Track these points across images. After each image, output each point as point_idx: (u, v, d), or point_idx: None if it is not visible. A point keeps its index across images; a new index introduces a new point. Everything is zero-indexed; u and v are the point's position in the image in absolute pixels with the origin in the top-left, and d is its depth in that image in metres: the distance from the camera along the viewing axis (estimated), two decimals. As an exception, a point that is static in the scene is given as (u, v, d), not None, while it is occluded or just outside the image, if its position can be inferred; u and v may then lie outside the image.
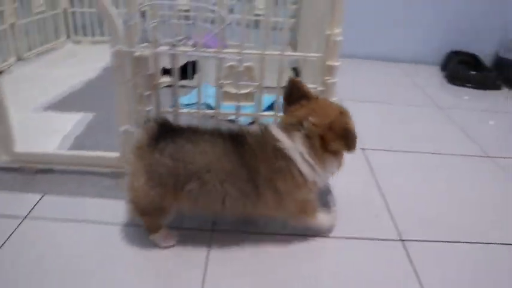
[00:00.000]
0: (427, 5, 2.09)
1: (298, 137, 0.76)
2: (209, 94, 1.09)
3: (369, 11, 2.10)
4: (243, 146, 0.77)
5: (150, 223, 0.82)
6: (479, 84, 1.95)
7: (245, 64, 0.91)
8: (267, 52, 0.91)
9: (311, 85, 0.96)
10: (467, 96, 1.87)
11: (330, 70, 0.92)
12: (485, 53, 2.14)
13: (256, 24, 1.99)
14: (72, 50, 2.00)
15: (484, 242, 0.91)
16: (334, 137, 0.75)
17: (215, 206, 0.78)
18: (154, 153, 0.75)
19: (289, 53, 0.89)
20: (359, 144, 0.77)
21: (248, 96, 0.95)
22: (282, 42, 1.04)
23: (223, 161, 0.76)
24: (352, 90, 1.74)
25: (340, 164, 0.81)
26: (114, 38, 0.82)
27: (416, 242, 0.89)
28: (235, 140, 0.78)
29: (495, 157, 1.30)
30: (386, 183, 1.10)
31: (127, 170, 0.78)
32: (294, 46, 1.89)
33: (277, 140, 0.76)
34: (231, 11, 1.85)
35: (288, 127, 0.78)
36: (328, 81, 0.92)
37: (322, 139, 0.76)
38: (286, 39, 1.79)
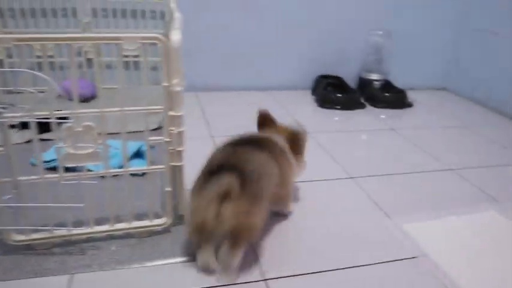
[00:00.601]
0: (295, 33, 2.20)
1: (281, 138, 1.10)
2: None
3: (238, 41, 2.16)
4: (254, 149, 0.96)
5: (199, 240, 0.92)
6: (346, 105, 2.09)
7: (84, 123, 0.87)
8: (106, 109, 0.88)
9: (158, 137, 0.94)
10: (337, 118, 1.99)
11: (174, 121, 0.91)
12: (350, 75, 2.30)
13: (127, 65, 1.96)
14: None
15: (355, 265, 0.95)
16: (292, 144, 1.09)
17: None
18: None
19: (130, 108, 0.86)
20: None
21: (94, 155, 0.90)
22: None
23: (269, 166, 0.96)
24: (223, 124, 1.76)
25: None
26: None
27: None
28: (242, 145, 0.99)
29: (357, 177, 1.38)
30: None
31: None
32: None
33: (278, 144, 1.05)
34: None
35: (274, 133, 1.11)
36: (173, 131, 0.91)
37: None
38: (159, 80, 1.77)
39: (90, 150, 0.88)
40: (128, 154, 1.33)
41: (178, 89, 0.89)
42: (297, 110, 2.02)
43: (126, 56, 1.95)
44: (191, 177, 1.31)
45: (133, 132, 1.03)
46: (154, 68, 2.02)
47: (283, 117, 1.88)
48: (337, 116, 2.01)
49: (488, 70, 2.23)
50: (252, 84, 2.25)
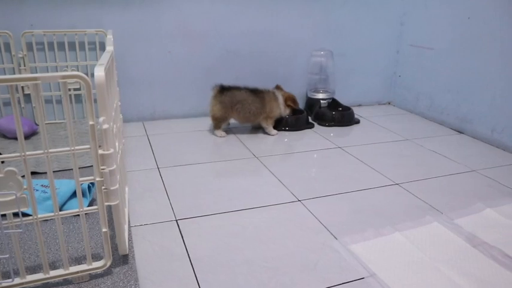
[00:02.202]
0: (240, 58, 2.21)
1: (281, 95, 2.02)
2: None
3: (183, 68, 2.15)
4: (259, 94, 1.94)
5: (216, 124, 1.95)
6: (295, 126, 2.10)
7: (6, 169, 0.81)
8: (28, 152, 0.83)
9: (89, 177, 0.90)
10: (286, 139, 1.99)
11: (105, 159, 0.87)
12: (298, 95, 2.33)
13: (70, 99, 1.89)
14: None
15: None
16: (290, 102, 2.03)
17: (246, 116, 1.93)
18: (221, 95, 1.89)
19: (54, 150, 0.82)
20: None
21: (21, 201, 0.85)
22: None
23: (250, 98, 1.91)
24: (170, 154, 1.73)
25: (289, 112, 2.08)
26: None
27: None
28: (255, 91, 1.95)
29: (305, 199, 1.37)
30: (198, 250, 1.07)
31: (211, 103, 1.92)
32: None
33: (275, 94, 2.01)
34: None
35: (278, 92, 2.04)
36: (105, 170, 0.87)
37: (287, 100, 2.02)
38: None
39: (12, 198, 0.83)
40: (67, 194, 1.27)
41: (105, 126, 0.85)
42: (244, 135, 2.01)
43: (68, 90, 1.89)
44: (138, 211, 1.27)
45: (82, 168, 0.98)
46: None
47: (235, 143, 1.88)
48: (286, 137, 2.02)
49: (428, 83, 2.32)
50: (197, 111, 2.23)
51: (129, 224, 1.20)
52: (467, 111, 2.09)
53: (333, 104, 2.29)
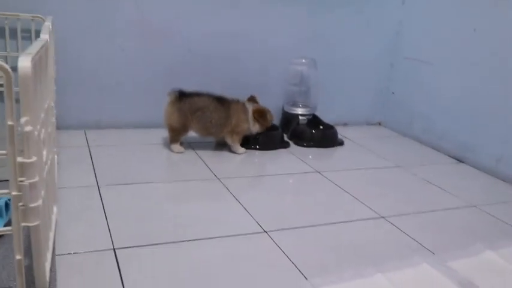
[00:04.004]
0: (207, 62, 2.22)
1: (251, 107, 2.01)
2: None
3: (137, 71, 2.13)
4: (224, 103, 1.96)
5: (173, 137, 1.94)
6: (266, 145, 2.10)
7: None
8: None
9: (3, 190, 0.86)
10: (256, 160, 1.99)
11: (24, 169, 0.84)
12: (272, 109, 2.33)
13: None
14: None
15: None
16: (257, 116, 2.01)
17: (206, 126, 1.93)
18: (180, 102, 1.89)
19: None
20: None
21: None
22: None
23: (212, 105, 1.93)
24: (114, 170, 1.69)
25: (260, 130, 2.05)
26: None
27: None
28: (221, 100, 1.96)
29: (272, 231, 1.36)
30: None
31: (165, 112, 1.92)
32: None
33: (245, 105, 2.01)
34: None
35: (250, 104, 2.03)
36: (24, 183, 0.84)
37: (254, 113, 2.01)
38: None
39: None
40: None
41: (28, 128, 0.82)
42: (206, 152, 2.00)
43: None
44: (68, 236, 1.22)
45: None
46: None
47: (194, 161, 1.86)
48: (256, 157, 2.01)
49: (425, 103, 2.37)
50: (152, 120, 2.19)
51: (53, 252, 1.15)
52: (468, 137, 2.14)
53: (314, 121, 2.31)
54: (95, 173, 1.66)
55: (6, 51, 1.87)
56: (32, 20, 1.86)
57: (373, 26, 2.49)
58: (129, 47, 2.09)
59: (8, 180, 0.89)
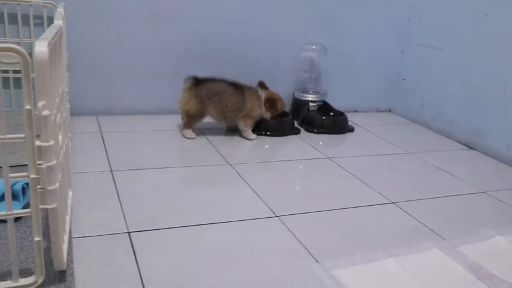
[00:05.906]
0: (215, 47, 2.22)
1: (264, 94, 2.07)
2: None
3: (149, 57, 2.14)
4: (239, 88, 2.00)
5: (189, 122, 1.97)
6: (277, 131, 2.11)
7: None
8: None
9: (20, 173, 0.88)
10: (267, 145, 2.00)
11: (43, 153, 0.85)
12: (283, 95, 2.33)
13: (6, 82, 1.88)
14: None
15: None
16: (268, 106, 2.07)
17: (223, 110, 1.96)
18: (197, 88, 1.92)
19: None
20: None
21: None
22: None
23: (229, 90, 1.97)
24: (126, 156, 1.71)
25: (271, 116, 2.10)
26: None
27: None
28: (236, 85, 2.00)
29: (284, 215, 1.37)
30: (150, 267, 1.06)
31: (182, 98, 1.94)
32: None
33: (258, 92, 2.06)
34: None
35: (262, 90, 2.08)
36: (42, 166, 0.85)
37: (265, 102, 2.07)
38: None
39: None
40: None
41: (45, 113, 0.84)
42: (218, 137, 2.01)
43: (6, 72, 1.86)
44: (83, 220, 1.25)
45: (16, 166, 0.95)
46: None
47: (206, 147, 1.87)
48: (267, 143, 2.02)
49: (436, 89, 2.36)
50: (164, 108, 2.21)
51: (70, 235, 1.18)
52: (479, 123, 2.13)
53: (324, 107, 2.31)
54: (108, 159, 1.68)
55: (19, 37, 1.89)
56: (44, 6, 1.87)
57: (383, 12, 2.47)
58: (139, 32, 2.09)
59: (24, 165, 0.91)
